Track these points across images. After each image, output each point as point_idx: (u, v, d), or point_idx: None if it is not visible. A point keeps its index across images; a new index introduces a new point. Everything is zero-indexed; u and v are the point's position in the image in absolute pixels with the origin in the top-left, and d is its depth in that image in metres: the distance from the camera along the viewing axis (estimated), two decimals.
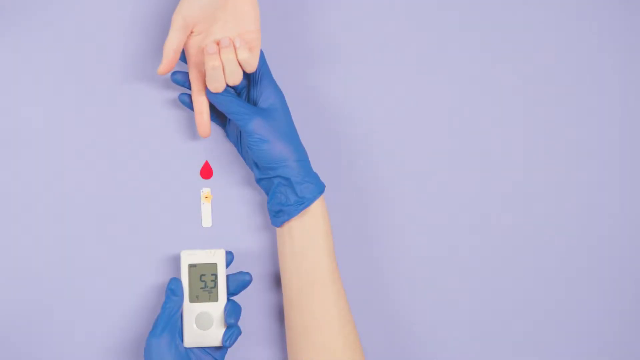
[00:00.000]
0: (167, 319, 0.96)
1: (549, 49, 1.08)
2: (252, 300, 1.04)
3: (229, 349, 1.02)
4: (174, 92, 1.04)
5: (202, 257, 0.98)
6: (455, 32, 1.08)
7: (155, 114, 1.04)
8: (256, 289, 1.04)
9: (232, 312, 0.98)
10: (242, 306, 1.03)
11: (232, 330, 0.98)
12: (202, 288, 0.98)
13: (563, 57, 1.08)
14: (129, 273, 1.02)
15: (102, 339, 1.02)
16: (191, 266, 0.98)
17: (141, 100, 1.04)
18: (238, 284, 0.99)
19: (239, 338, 1.02)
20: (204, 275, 0.98)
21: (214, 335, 0.98)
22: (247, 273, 1.00)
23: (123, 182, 1.03)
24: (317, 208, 0.98)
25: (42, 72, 1.03)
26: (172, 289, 0.97)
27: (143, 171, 1.04)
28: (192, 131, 1.04)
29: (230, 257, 1.00)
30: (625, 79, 1.09)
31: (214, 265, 0.98)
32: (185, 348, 0.98)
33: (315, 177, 0.98)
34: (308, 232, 0.97)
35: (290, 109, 1.01)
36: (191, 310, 0.98)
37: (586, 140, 1.08)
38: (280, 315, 1.04)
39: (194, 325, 0.98)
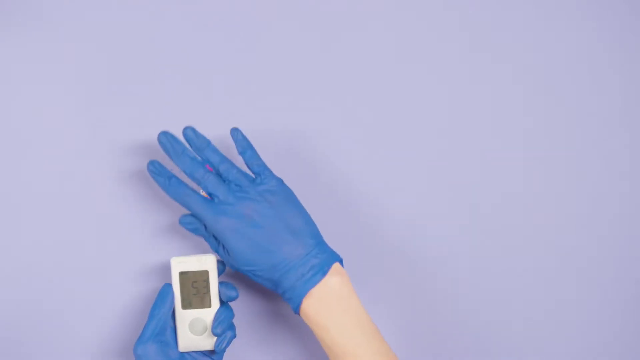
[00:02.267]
0: (154, 326, 0.95)
1: (549, 49, 1.08)
2: (252, 302, 1.03)
3: (229, 350, 1.02)
4: (172, 95, 1.04)
5: (193, 264, 0.97)
6: (455, 32, 1.08)
7: (155, 115, 1.04)
8: (256, 290, 1.04)
9: (220, 321, 0.96)
10: (240, 308, 1.02)
11: (224, 335, 0.97)
12: (194, 294, 0.97)
13: (563, 57, 1.08)
14: (127, 274, 1.02)
15: (96, 343, 1.02)
16: (182, 274, 0.97)
17: (141, 102, 1.04)
18: (224, 297, 0.98)
19: (240, 340, 1.02)
20: (195, 282, 0.97)
21: (208, 340, 0.98)
22: (234, 289, 0.97)
23: (122, 182, 1.03)
24: (323, 291, 0.94)
25: (42, 71, 1.03)
26: (161, 296, 0.96)
27: (143, 171, 1.03)
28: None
29: (222, 268, 0.99)
30: (625, 78, 1.09)
31: (206, 272, 0.97)
32: (180, 353, 0.97)
33: (305, 282, 0.94)
34: (321, 313, 0.94)
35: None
36: (184, 317, 0.97)
37: (586, 140, 1.08)
38: (278, 318, 1.04)
39: (188, 332, 0.97)
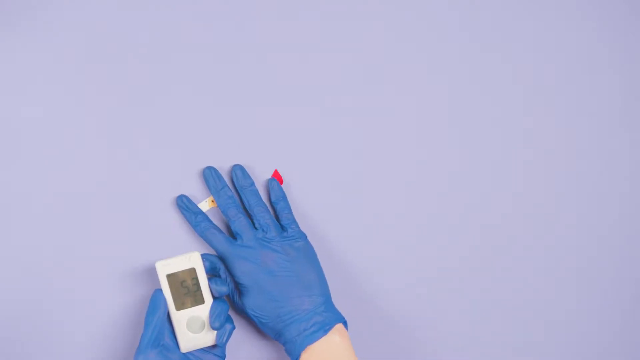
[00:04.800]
0: (151, 334, 0.95)
1: (549, 49, 1.08)
2: None
3: (231, 344, 1.02)
4: (172, 95, 1.04)
5: (178, 264, 0.97)
6: (455, 32, 1.07)
7: (155, 115, 1.04)
8: None
9: (216, 316, 0.97)
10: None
11: (224, 327, 0.97)
12: (185, 294, 0.97)
13: (563, 57, 1.08)
14: (128, 274, 1.02)
15: (97, 343, 1.01)
16: (169, 276, 0.97)
17: (141, 102, 1.04)
18: (215, 293, 0.98)
19: (243, 333, 1.02)
20: (184, 281, 0.97)
21: (209, 336, 0.98)
22: (224, 283, 0.98)
23: (123, 182, 1.03)
24: (322, 348, 0.96)
25: (42, 70, 1.03)
26: (153, 302, 0.96)
27: (144, 171, 1.03)
28: (194, 137, 1.04)
29: (207, 265, 0.99)
30: (625, 78, 1.09)
31: (193, 270, 0.97)
32: (182, 354, 0.97)
33: (305, 337, 0.97)
34: None
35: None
36: (180, 318, 0.97)
37: (586, 140, 1.08)
38: None
39: (187, 331, 0.97)
